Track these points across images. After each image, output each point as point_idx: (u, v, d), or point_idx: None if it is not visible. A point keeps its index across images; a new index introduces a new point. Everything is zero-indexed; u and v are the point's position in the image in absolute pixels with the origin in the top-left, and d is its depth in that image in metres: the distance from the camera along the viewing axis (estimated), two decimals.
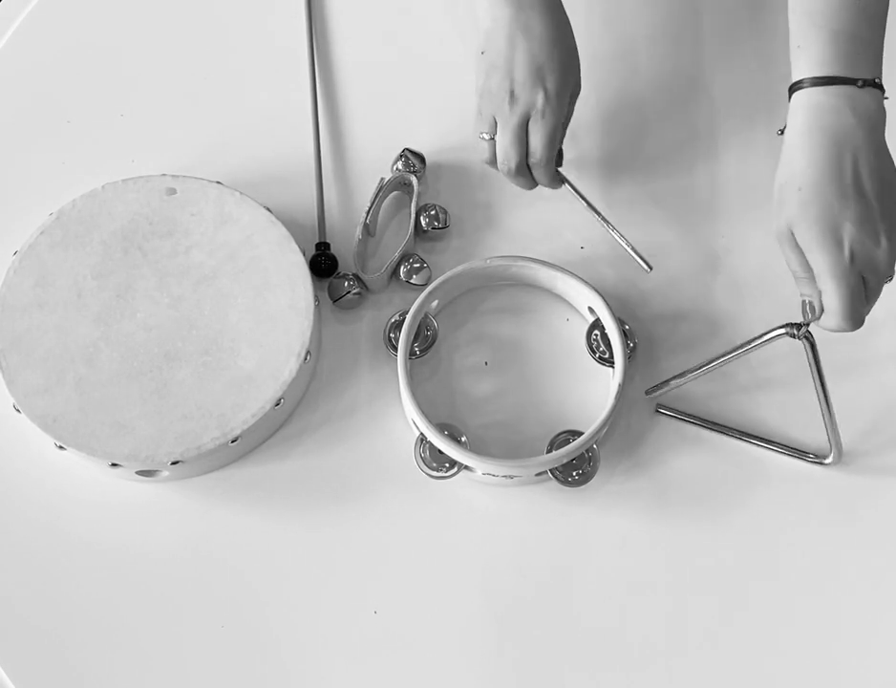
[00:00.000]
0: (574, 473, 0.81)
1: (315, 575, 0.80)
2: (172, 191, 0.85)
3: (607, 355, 0.83)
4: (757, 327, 0.79)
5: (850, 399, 0.84)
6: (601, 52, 0.95)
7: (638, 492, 0.82)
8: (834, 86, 0.73)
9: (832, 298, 0.71)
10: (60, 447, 0.79)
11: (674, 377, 0.82)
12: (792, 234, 0.72)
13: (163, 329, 0.81)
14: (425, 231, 0.88)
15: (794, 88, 0.75)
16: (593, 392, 0.84)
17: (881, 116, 0.74)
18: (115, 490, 0.82)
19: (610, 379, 0.84)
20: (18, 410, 0.79)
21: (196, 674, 0.78)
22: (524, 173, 0.83)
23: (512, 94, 0.79)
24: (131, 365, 0.80)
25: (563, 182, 0.84)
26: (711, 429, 0.83)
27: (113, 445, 0.78)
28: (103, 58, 0.96)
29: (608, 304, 0.82)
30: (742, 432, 0.83)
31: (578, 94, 0.83)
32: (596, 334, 0.84)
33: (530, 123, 0.80)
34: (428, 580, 0.80)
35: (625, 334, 0.82)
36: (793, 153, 0.73)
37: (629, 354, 0.83)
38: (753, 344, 0.77)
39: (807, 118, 0.73)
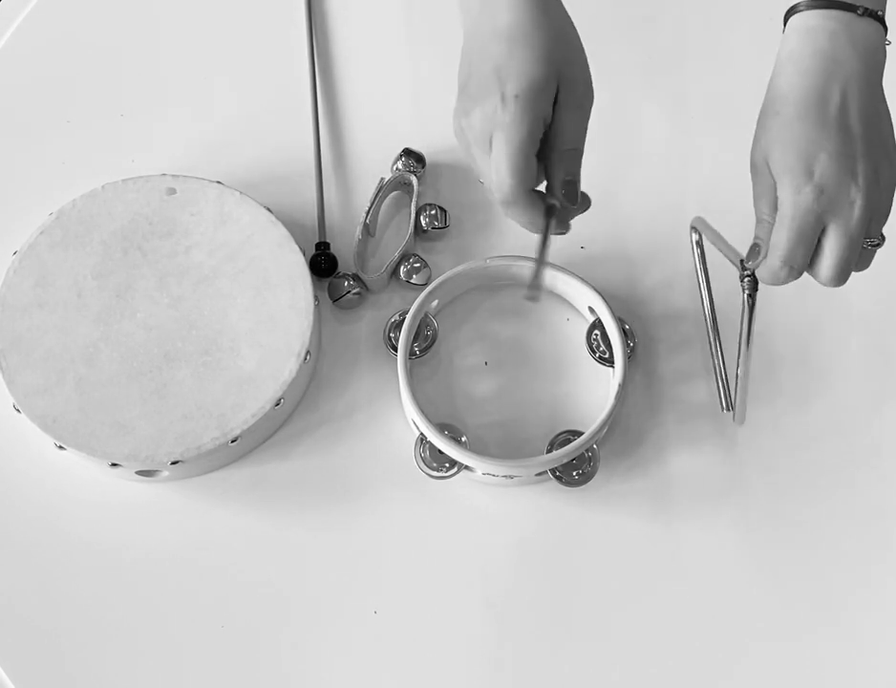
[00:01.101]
0: (574, 473, 0.80)
1: (315, 575, 0.80)
2: (172, 191, 0.85)
3: (607, 355, 0.83)
4: (756, 326, 0.78)
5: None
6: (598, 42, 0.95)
7: (638, 492, 0.82)
8: (832, 10, 0.67)
9: (778, 230, 0.65)
10: (60, 447, 0.79)
11: None
12: (767, 164, 0.67)
13: (163, 329, 0.81)
14: (425, 231, 0.88)
15: (789, 14, 0.69)
16: (593, 392, 0.84)
17: (880, 52, 0.68)
18: (115, 490, 0.82)
19: (610, 379, 0.84)
20: (18, 410, 0.79)
21: (196, 674, 0.78)
22: (519, 205, 0.67)
23: (467, 106, 0.68)
24: (131, 365, 0.80)
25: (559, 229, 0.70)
26: None
27: (113, 445, 0.78)
28: (103, 58, 0.96)
29: (608, 304, 0.82)
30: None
31: (583, 104, 0.68)
32: (596, 334, 0.84)
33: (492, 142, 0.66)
34: (428, 580, 0.80)
35: (625, 334, 0.82)
36: (778, 78, 0.68)
37: (629, 354, 0.83)
38: (750, 325, 0.74)
39: (799, 41, 0.68)
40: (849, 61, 0.67)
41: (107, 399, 0.79)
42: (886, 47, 0.69)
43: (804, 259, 0.66)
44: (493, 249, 0.89)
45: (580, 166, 0.69)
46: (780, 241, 0.66)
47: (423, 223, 0.88)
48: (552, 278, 0.84)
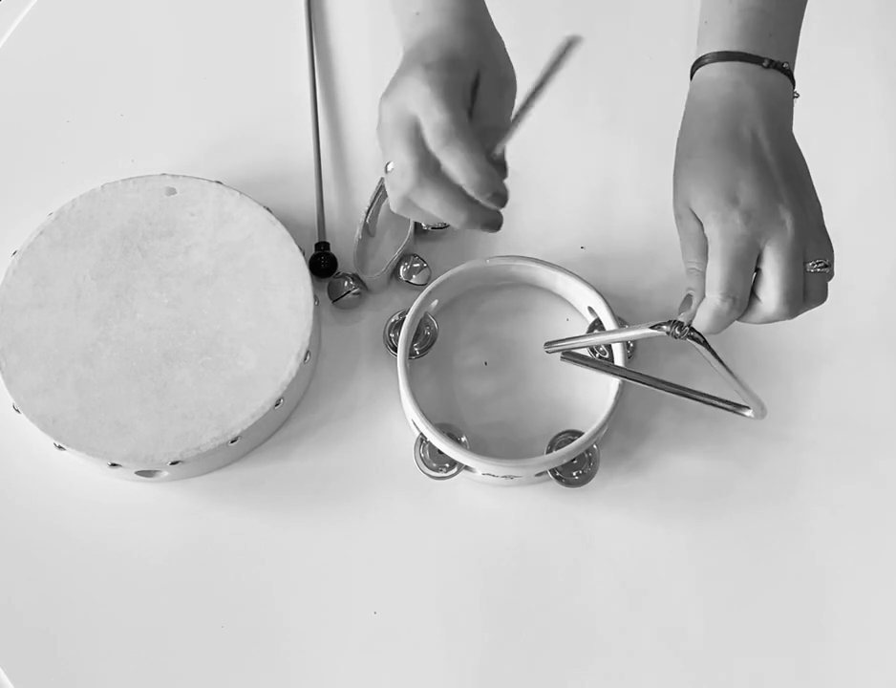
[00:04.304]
0: (574, 473, 0.80)
1: (315, 575, 0.80)
2: (172, 191, 0.85)
3: (607, 356, 0.83)
4: (755, 330, 0.79)
5: None
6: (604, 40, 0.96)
7: (638, 492, 0.82)
8: (737, 62, 0.66)
9: (712, 266, 0.63)
10: (60, 447, 0.79)
11: (573, 338, 0.78)
12: (690, 209, 0.65)
13: (163, 329, 0.81)
14: (425, 231, 0.88)
15: (696, 65, 0.69)
16: (593, 392, 0.84)
17: (786, 101, 0.67)
18: (115, 490, 0.82)
19: (610, 379, 0.84)
20: (18, 410, 0.79)
21: (196, 674, 0.78)
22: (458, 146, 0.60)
23: (389, 89, 0.66)
24: (131, 365, 0.80)
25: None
26: (622, 375, 0.78)
27: (112, 445, 0.78)
28: (103, 58, 0.96)
29: (608, 304, 0.82)
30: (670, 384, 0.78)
31: (503, 90, 0.64)
32: None
33: None
34: (428, 580, 0.80)
35: None
36: (686, 128, 0.67)
37: (629, 355, 0.83)
38: (627, 334, 0.73)
39: (704, 92, 0.67)
40: (755, 105, 0.65)
41: (107, 399, 0.79)
42: (795, 100, 0.68)
43: (745, 287, 0.63)
44: (493, 249, 0.89)
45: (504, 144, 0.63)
46: (716, 274, 0.63)
47: (423, 223, 0.88)
48: (552, 278, 0.84)
